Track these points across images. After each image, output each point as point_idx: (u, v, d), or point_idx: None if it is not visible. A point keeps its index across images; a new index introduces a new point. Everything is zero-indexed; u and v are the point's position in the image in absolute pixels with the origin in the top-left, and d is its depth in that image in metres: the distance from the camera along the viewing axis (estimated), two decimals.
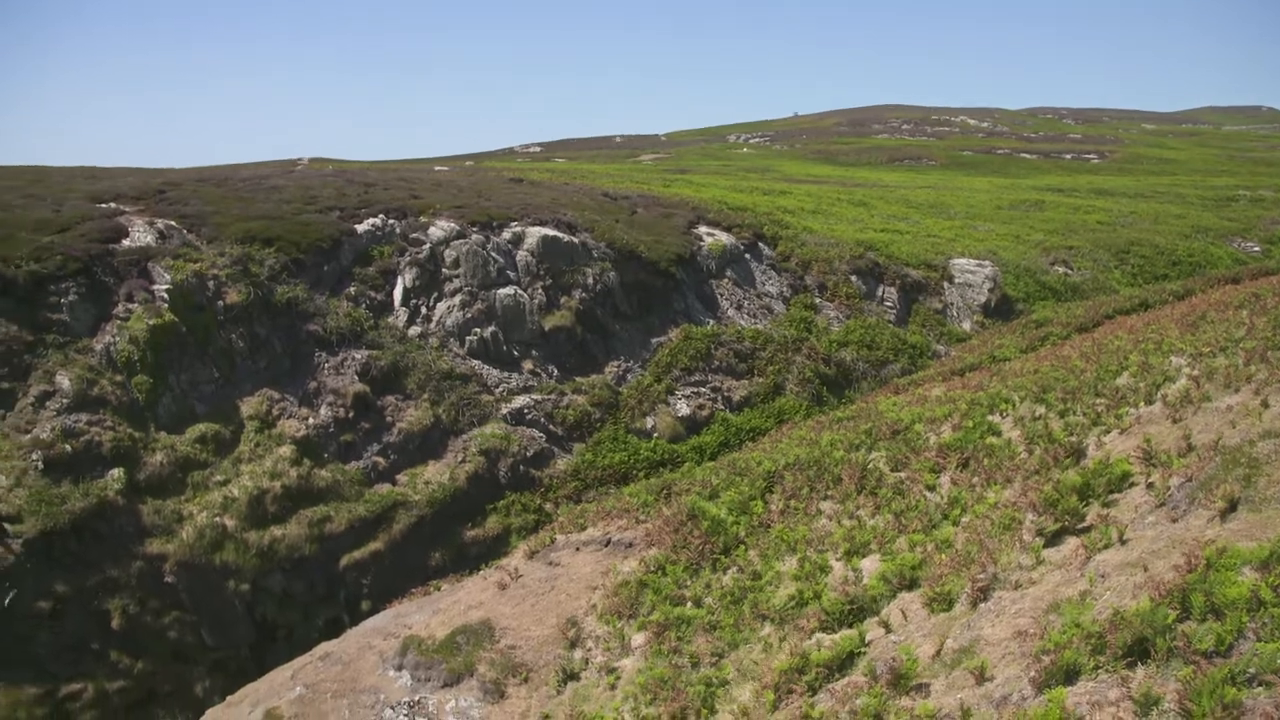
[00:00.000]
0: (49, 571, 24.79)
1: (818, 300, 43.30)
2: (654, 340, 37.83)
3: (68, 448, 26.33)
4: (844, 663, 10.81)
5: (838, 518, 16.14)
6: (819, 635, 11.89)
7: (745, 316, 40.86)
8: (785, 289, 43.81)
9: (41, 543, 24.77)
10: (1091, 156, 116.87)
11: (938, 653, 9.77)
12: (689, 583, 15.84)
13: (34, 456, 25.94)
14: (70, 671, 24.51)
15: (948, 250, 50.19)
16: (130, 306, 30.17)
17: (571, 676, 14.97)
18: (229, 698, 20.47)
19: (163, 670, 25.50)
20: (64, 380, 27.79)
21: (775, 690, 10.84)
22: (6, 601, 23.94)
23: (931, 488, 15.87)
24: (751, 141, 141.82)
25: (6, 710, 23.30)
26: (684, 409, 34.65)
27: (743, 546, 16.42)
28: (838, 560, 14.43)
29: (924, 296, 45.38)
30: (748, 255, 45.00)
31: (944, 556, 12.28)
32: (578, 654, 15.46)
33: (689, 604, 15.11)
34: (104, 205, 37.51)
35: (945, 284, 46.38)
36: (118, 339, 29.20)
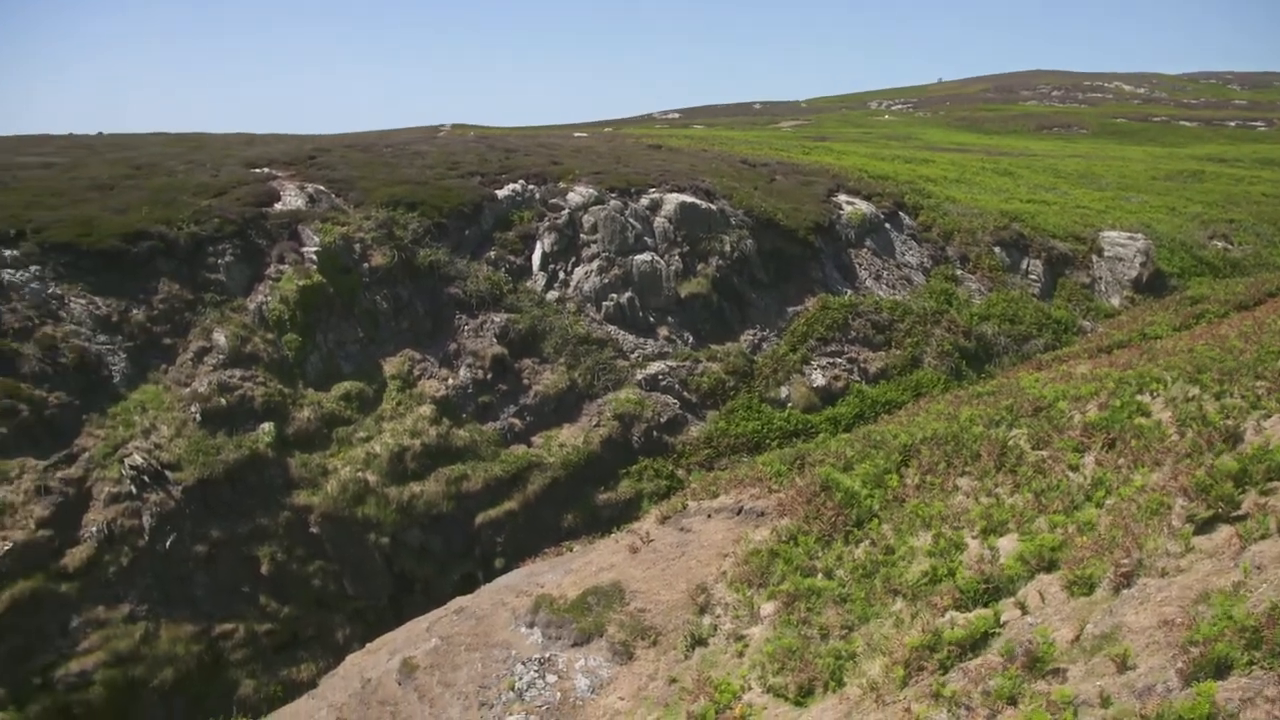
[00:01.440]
0: (205, 518, 26.11)
1: (959, 272, 42.27)
2: (790, 309, 37.52)
3: (223, 401, 27.61)
4: (978, 642, 10.61)
5: (975, 495, 15.80)
6: (952, 613, 11.69)
7: (884, 287, 40.17)
8: (925, 260, 42.89)
9: (199, 490, 26.11)
10: (1258, 124, 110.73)
11: (1077, 638, 9.50)
12: (820, 554, 15.74)
13: (192, 409, 27.31)
14: (223, 612, 25.81)
15: (1097, 222, 48.33)
16: (281, 267, 31.35)
17: (700, 642, 15.05)
18: (368, 645, 21.27)
19: (307, 616, 26.62)
20: (220, 337, 29.09)
21: (905, 666, 10.71)
22: (168, 544, 25.33)
23: (1074, 468, 15.38)
24: (893, 108, 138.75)
25: (167, 645, 24.70)
26: (819, 379, 34.34)
27: (876, 520, 16.23)
28: (973, 538, 14.14)
29: (1070, 270, 43.87)
30: (887, 225, 44.17)
31: (1086, 539, 11.91)
32: (706, 620, 15.54)
33: (820, 575, 15.02)
34: (258, 170, 38.98)
35: (1094, 257, 44.72)
36: (270, 298, 30.40)
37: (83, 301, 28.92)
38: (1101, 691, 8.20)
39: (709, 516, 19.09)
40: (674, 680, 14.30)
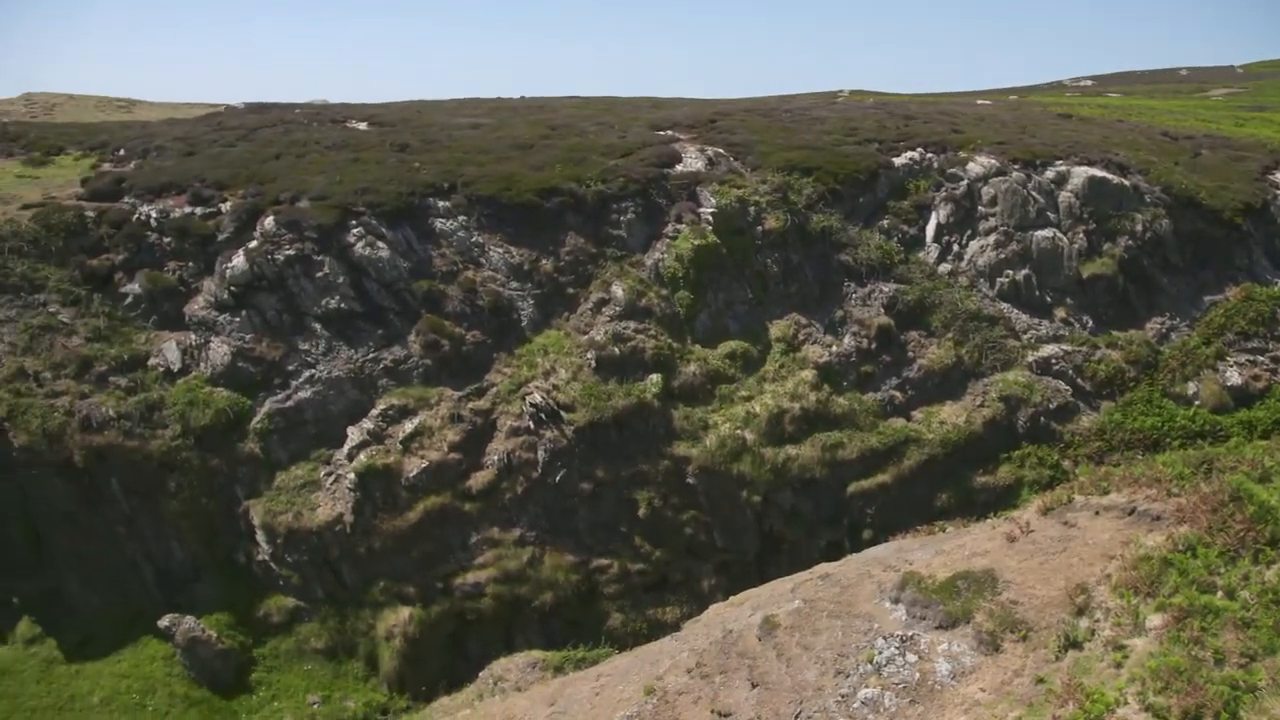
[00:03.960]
0: (592, 458, 27.90)
1: None
2: (1206, 298, 34.20)
3: (616, 351, 29.27)
4: None
5: None
6: None
7: None
8: None
9: (589, 432, 27.94)
10: None
11: None
12: (1222, 570, 14.35)
13: (589, 355, 29.18)
14: (601, 548, 27.58)
15: None
16: (679, 227, 32.60)
17: (1073, 644, 14.24)
18: (731, 597, 21.89)
19: (676, 561, 27.85)
20: (618, 290, 30.79)
21: None
22: (558, 479, 27.34)
23: None
24: None
25: (550, 571, 26.80)
26: (1234, 378, 31.13)
27: None
28: None
29: None
30: None
31: None
32: (1083, 623, 14.66)
33: (1219, 594, 13.72)
34: (662, 133, 40.62)
35: None
36: (665, 256, 31.73)
37: (500, 250, 31.62)
38: None
39: (1096, 513, 17.95)
40: (1041, 680, 13.65)
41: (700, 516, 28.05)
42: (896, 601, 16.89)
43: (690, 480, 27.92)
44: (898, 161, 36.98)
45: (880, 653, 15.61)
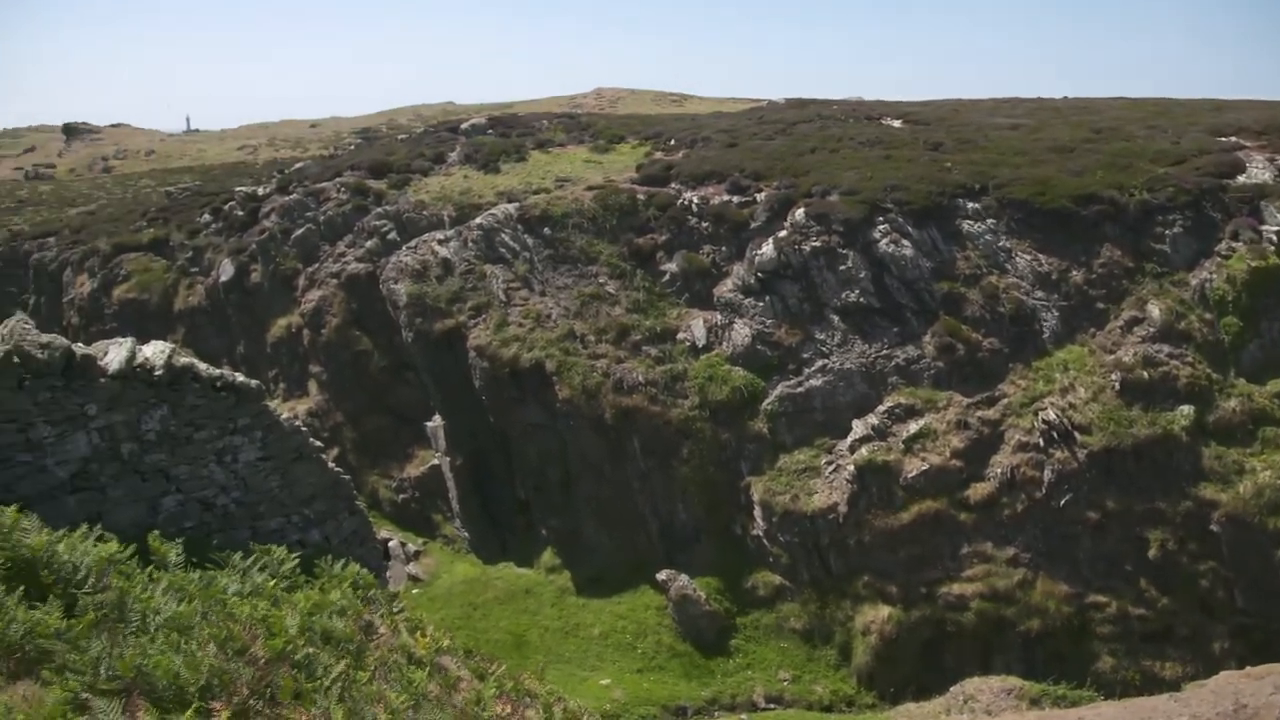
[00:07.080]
0: (1103, 486, 26.11)
1: None
2: None
3: (1145, 375, 27.06)
4: None
5: None
6: None
7: None
8: None
9: (1103, 458, 26.16)
10: None
11: None
12: None
13: (1113, 377, 27.26)
14: (1100, 583, 25.77)
15: None
16: (1233, 245, 29.46)
17: None
18: (1248, 669, 19.58)
19: (1183, 614, 25.33)
20: (1154, 309, 28.42)
21: None
22: (1062, 503, 25.91)
23: None
24: None
25: (1040, 597, 25.48)
26: None
27: None
28: None
29: None
30: None
31: None
32: None
33: None
34: (1223, 139, 36.78)
35: None
36: (1214, 277, 28.82)
37: (1028, 257, 30.41)
38: None
39: None
40: None
41: (1220, 570, 25.31)
42: None
43: (1214, 528, 25.25)
44: None
45: None
